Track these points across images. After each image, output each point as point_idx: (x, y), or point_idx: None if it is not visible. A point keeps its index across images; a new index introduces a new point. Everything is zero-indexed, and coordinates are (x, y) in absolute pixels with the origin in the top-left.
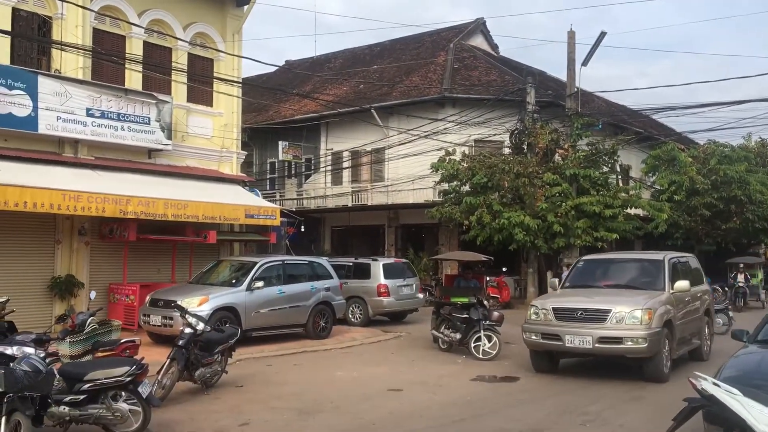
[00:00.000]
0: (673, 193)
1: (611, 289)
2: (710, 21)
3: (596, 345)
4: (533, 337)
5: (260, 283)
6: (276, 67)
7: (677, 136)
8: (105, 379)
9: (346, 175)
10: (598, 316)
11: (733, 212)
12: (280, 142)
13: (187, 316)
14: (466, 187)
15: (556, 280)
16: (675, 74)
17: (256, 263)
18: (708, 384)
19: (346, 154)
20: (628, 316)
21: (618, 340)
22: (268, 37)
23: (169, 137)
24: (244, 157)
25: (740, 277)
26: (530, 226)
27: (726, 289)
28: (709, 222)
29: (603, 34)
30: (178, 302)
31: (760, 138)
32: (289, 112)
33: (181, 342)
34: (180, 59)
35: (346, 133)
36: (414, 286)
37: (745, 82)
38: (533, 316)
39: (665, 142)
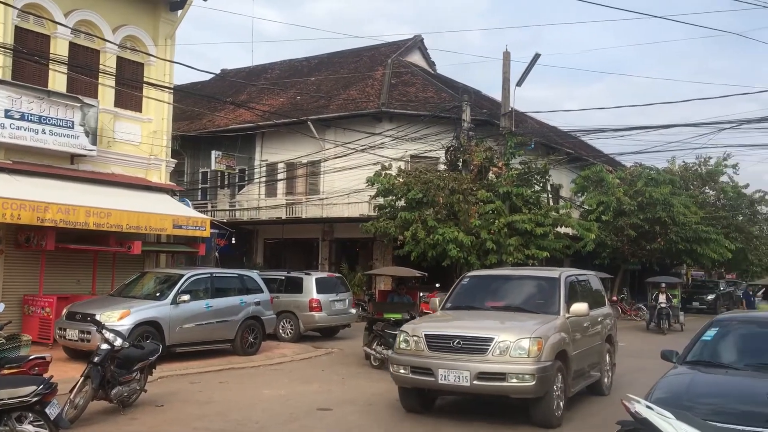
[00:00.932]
0: (601, 214)
1: (498, 312)
2: (640, 48)
3: (474, 382)
4: (401, 371)
5: (186, 297)
6: (211, 75)
7: (605, 157)
8: (9, 399)
9: (281, 187)
10: (478, 346)
11: (657, 233)
12: (213, 152)
13: (104, 331)
14: (402, 202)
15: (437, 299)
16: (604, 98)
17: (182, 276)
18: (641, 407)
19: (281, 165)
20: (513, 347)
21: (501, 376)
22: (204, 43)
23: (94, 142)
24: (174, 166)
25: (662, 297)
26: (464, 243)
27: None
28: (635, 242)
29: (537, 56)
30: (96, 316)
31: (684, 162)
32: (223, 121)
33: (96, 359)
34: (108, 62)
35: (281, 144)
36: (347, 301)
37: (671, 108)
38: (402, 345)
39: (594, 163)
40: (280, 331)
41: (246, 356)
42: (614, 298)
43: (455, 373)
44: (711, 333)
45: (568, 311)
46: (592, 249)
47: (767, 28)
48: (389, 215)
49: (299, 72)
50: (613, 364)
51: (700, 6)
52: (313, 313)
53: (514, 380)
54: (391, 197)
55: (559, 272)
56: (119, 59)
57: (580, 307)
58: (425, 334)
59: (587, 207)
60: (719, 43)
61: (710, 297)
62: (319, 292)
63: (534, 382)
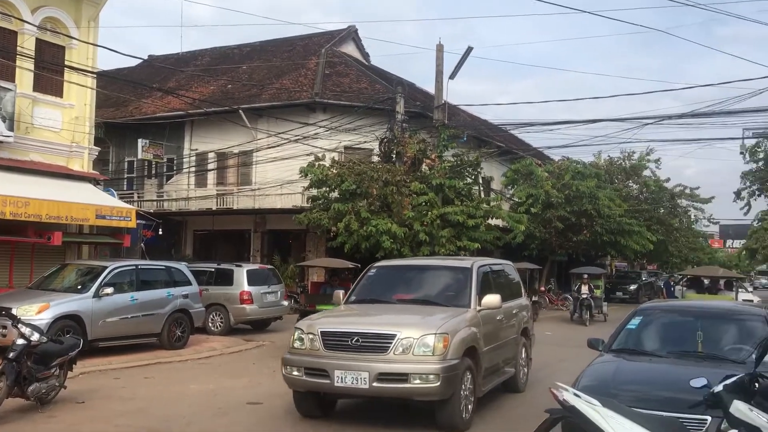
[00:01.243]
0: (530, 206)
1: (404, 306)
2: (571, 45)
3: (374, 384)
4: (294, 373)
5: (110, 290)
6: (138, 61)
7: (534, 151)
8: None
9: (211, 177)
10: (379, 344)
11: (583, 225)
12: (139, 140)
13: (19, 325)
14: (335, 194)
15: (341, 292)
16: (535, 94)
17: (105, 268)
18: (569, 395)
19: (211, 155)
20: (417, 344)
21: (402, 377)
22: (130, 26)
23: (11, 128)
24: (97, 154)
25: (584, 288)
26: (397, 234)
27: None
28: (562, 234)
29: (470, 49)
30: (12, 310)
31: (609, 156)
32: (150, 108)
33: (11, 355)
34: (26, 44)
35: (212, 133)
36: (279, 293)
37: (599, 103)
38: (296, 343)
39: (524, 156)
40: (210, 324)
41: (173, 350)
42: (542, 288)
43: (353, 375)
44: (635, 322)
45: (479, 303)
46: (522, 241)
47: (687, 26)
48: (322, 207)
49: (230, 60)
50: (529, 358)
51: (627, 3)
52: (243, 305)
53: (417, 381)
54: (324, 188)
55: (471, 262)
56: (38, 41)
57: (492, 299)
58: (321, 331)
59: (517, 199)
60: (646, 41)
61: (633, 287)
62: (250, 284)
63: (439, 383)
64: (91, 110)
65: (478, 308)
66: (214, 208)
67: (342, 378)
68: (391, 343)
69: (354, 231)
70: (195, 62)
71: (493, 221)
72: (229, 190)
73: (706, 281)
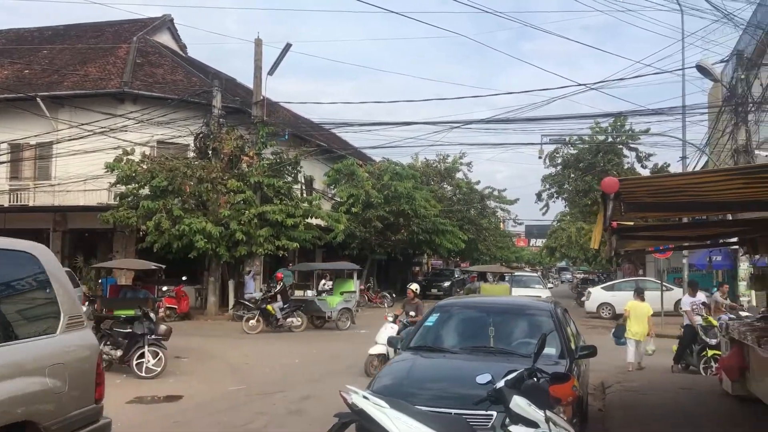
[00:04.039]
0: (351, 206)
1: None
2: (393, 50)
3: None
4: None
5: None
6: None
7: (353, 150)
8: None
9: (4, 170)
10: None
11: (401, 225)
12: None
13: None
14: (146, 191)
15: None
16: (358, 95)
17: None
18: (358, 397)
19: (4, 146)
20: None
21: None
22: None
23: None
24: None
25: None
26: (212, 234)
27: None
28: (382, 233)
29: (288, 45)
30: None
31: (426, 159)
32: None
33: None
34: None
35: (4, 122)
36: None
37: (418, 107)
38: None
39: (346, 156)
40: None
41: None
42: (362, 287)
43: None
44: (433, 318)
45: None
46: (343, 240)
47: (492, 32)
48: (131, 204)
49: (28, 42)
50: None
51: (439, 7)
52: None
53: None
54: (133, 185)
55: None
56: None
57: None
58: None
59: (339, 199)
60: (462, 49)
61: (446, 284)
62: None
63: None
64: None
65: None
66: (6, 204)
67: None
68: None
69: (165, 230)
70: None
71: (313, 221)
72: (25, 185)
73: (490, 276)
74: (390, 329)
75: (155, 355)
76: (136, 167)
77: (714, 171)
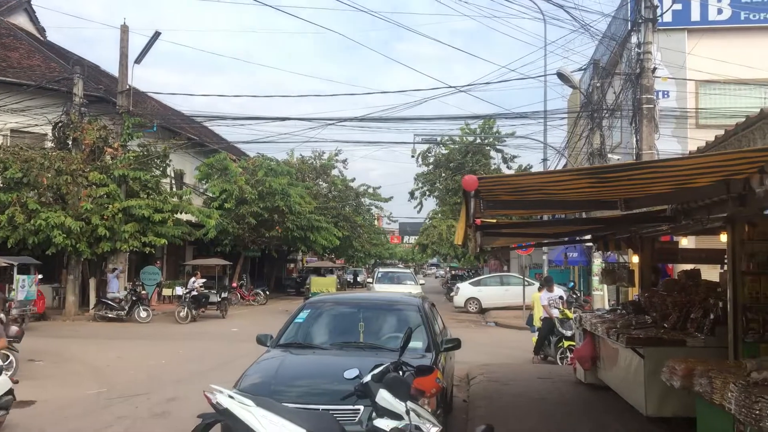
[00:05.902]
0: (224, 201)
1: None
2: (269, 44)
3: None
4: None
5: None
6: None
7: (226, 144)
8: None
9: None
10: None
11: (276, 221)
12: None
13: None
14: None
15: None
16: (232, 89)
17: None
18: (223, 397)
19: None
20: None
21: None
22: None
23: None
24: None
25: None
26: (72, 229)
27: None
28: (255, 230)
29: (157, 34)
30: None
31: (301, 155)
32: None
33: None
34: None
35: None
36: None
37: (295, 103)
38: None
39: (219, 151)
40: None
41: None
42: (234, 284)
43: None
44: (303, 315)
45: None
46: (214, 236)
47: (366, 31)
48: None
49: None
50: None
51: (314, 2)
52: None
53: None
54: None
55: None
56: None
57: None
58: None
59: (211, 194)
60: (337, 46)
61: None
62: None
63: None
64: None
65: None
66: None
67: None
68: None
69: (20, 224)
70: None
71: (183, 216)
72: None
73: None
74: None
75: (5, 358)
76: None
77: (563, 171)
